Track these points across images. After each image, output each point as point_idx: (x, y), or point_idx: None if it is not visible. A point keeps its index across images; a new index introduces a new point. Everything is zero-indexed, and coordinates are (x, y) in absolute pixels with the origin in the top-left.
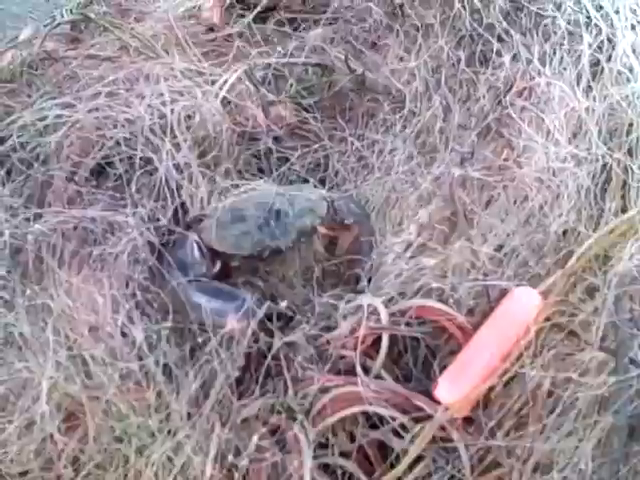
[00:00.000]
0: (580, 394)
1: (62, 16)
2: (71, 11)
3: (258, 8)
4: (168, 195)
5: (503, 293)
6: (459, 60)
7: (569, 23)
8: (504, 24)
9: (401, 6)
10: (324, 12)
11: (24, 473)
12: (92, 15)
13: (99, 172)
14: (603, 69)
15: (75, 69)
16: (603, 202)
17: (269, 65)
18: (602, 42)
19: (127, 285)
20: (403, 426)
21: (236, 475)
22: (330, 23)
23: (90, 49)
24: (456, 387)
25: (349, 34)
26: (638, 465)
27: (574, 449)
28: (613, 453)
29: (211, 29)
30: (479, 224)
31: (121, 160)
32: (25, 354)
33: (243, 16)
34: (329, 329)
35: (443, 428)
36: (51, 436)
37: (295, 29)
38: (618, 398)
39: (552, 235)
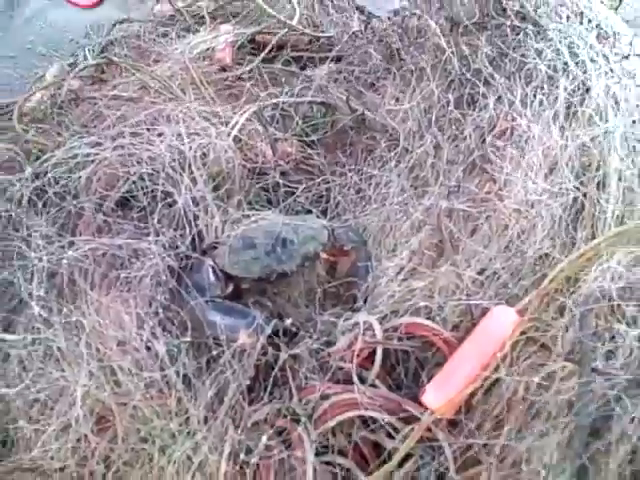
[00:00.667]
0: (550, 399)
1: (85, 56)
2: (93, 50)
3: (268, 48)
4: (186, 225)
5: (484, 311)
6: (448, 102)
7: (549, 68)
8: (490, 69)
9: (398, 51)
10: (329, 50)
11: (62, 469)
12: (115, 59)
13: (124, 204)
14: (577, 111)
15: (100, 109)
16: (575, 231)
17: (277, 105)
18: (577, 86)
19: (150, 304)
20: (394, 428)
21: (247, 471)
22: (335, 61)
23: (113, 90)
24: (441, 393)
25: (351, 75)
26: (600, 460)
27: (543, 447)
28: (575, 449)
29: (223, 69)
30: (464, 250)
31: (144, 193)
32: (62, 365)
33: (254, 54)
34: (329, 344)
35: (429, 429)
36: (85, 437)
37: (302, 67)
38: (581, 402)
39: (529, 260)
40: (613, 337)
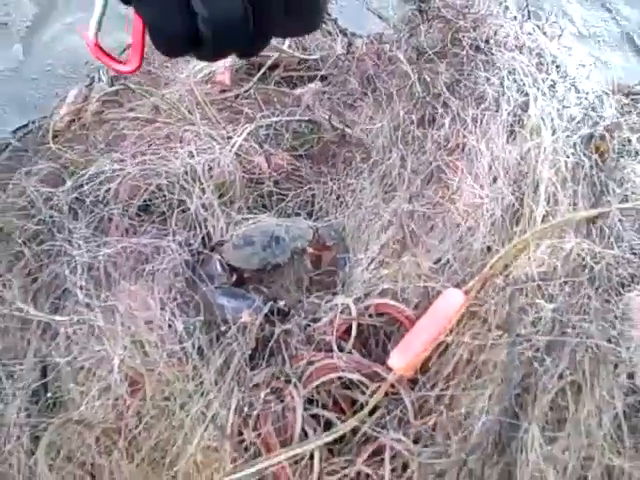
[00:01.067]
0: (487, 360)
1: (99, 78)
2: (107, 72)
3: (263, 69)
4: (197, 226)
5: (438, 293)
6: (412, 121)
7: (496, 92)
8: (447, 93)
9: (372, 77)
10: (316, 70)
11: (103, 422)
12: (132, 85)
13: (146, 210)
14: (515, 130)
15: (122, 130)
16: (511, 228)
17: (270, 124)
18: (517, 108)
19: (170, 291)
20: (366, 385)
21: (250, 421)
22: (321, 80)
23: (130, 112)
24: (403, 358)
25: (333, 96)
26: (527, 408)
27: (481, 397)
28: (505, 399)
29: (224, 90)
30: (423, 244)
31: (162, 201)
32: (101, 340)
33: (250, 74)
34: (315, 320)
35: (394, 386)
36: (121, 397)
37: (293, 86)
38: (509, 361)
39: (475, 252)
40: (536, 311)
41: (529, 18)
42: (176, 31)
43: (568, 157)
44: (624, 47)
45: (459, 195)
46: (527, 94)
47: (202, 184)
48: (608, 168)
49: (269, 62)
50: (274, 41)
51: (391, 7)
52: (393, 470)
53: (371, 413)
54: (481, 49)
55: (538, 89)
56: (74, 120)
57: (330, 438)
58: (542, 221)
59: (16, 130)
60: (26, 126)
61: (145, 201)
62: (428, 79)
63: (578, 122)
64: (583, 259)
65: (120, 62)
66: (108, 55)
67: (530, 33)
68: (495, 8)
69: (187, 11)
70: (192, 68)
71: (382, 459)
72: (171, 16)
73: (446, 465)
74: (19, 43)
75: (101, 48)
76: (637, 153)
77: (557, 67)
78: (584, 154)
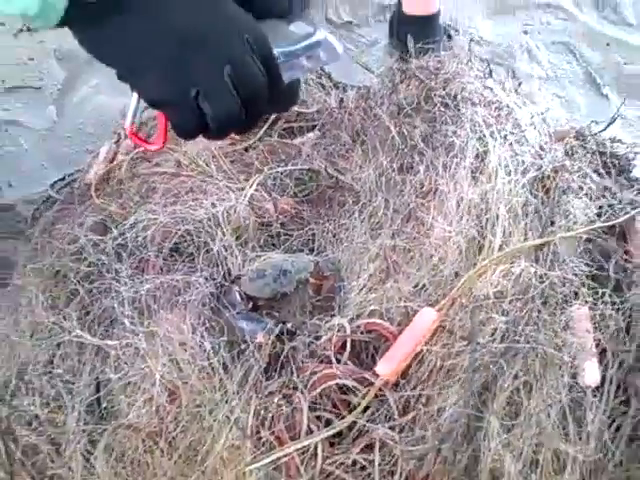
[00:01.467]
0: (456, 365)
1: (125, 135)
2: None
3: (267, 124)
4: (219, 264)
5: (416, 312)
6: (393, 169)
7: (462, 143)
8: (422, 144)
9: (360, 131)
10: (313, 121)
11: (148, 426)
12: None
13: (177, 251)
14: (476, 175)
15: (152, 183)
16: (474, 257)
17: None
18: (479, 156)
19: (199, 317)
20: (359, 389)
21: (266, 422)
22: (319, 129)
23: (157, 167)
24: (388, 366)
25: (329, 147)
26: (488, 403)
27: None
28: (467, 396)
29: (234, 142)
30: (404, 272)
31: (190, 244)
32: (145, 359)
33: (257, 126)
34: (317, 338)
35: (381, 389)
36: (162, 405)
37: (293, 136)
38: (471, 366)
39: (445, 277)
40: (493, 323)
41: (491, 75)
42: (191, 126)
43: (519, 196)
44: (586, 86)
45: (432, 231)
46: (487, 144)
47: (222, 229)
48: (552, 204)
49: (273, 116)
50: None
51: (377, 59)
52: (382, 457)
53: (363, 412)
54: (449, 106)
55: (495, 139)
56: (109, 173)
57: (330, 433)
58: (498, 250)
59: (54, 183)
60: (63, 179)
61: (176, 244)
62: (406, 132)
63: (527, 166)
64: (531, 280)
65: (149, 142)
66: (140, 138)
67: (491, 89)
68: (463, 67)
69: (198, 112)
70: None
71: (372, 448)
72: (187, 117)
73: (424, 451)
74: (52, 105)
75: (135, 134)
76: (580, 188)
77: (513, 118)
78: (532, 193)
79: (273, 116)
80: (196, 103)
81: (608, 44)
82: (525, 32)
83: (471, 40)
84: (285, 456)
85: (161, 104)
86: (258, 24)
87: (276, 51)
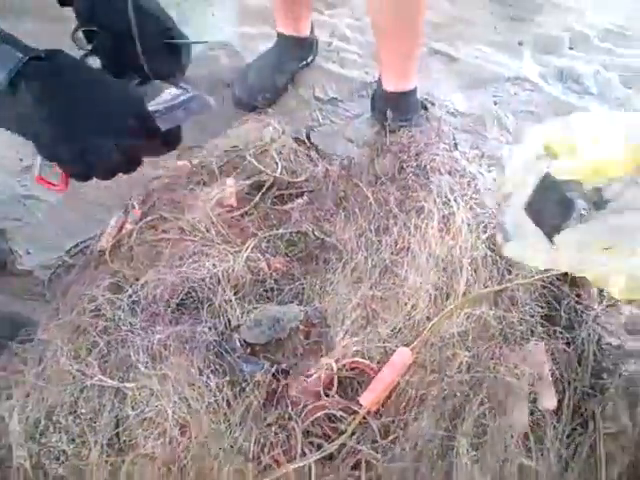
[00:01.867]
0: (428, 394)
1: (132, 205)
2: (139, 197)
3: (261, 192)
4: (221, 315)
5: (393, 351)
6: (371, 230)
7: (431, 206)
8: (396, 209)
9: (342, 198)
10: (302, 188)
11: (162, 455)
12: (167, 215)
13: (183, 306)
14: (443, 236)
15: (159, 248)
16: (442, 302)
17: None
18: (445, 217)
19: (205, 361)
20: (345, 418)
21: (265, 449)
22: (308, 194)
23: (163, 233)
24: (370, 396)
25: (316, 211)
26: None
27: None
28: (440, 420)
29: (231, 210)
30: (382, 319)
31: (195, 299)
32: (159, 398)
33: (250, 194)
34: (308, 377)
35: (364, 417)
36: (174, 437)
37: (284, 202)
38: (442, 394)
39: (418, 321)
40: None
41: (456, 148)
42: (81, 177)
43: (480, 251)
44: None
45: (406, 282)
46: (452, 207)
47: (222, 285)
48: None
49: (267, 184)
50: (269, 169)
51: (360, 131)
52: (368, 475)
53: (350, 436)
54: (420, 176)
55: (459, 203)
56: (119, 240)
57: (322, 455)
58: (463, 296)
59: (69, 250)
60: (76, 246)
61: (182, 299)
62: (382, 199)
63: (486, 224)
64: (490, 321)
65: (55, 185)
66: (46, 182)
67: (457, 159)
68: (433, 140)
69: (86, 167)
70: (207, 193)
71: (359, 467)
72: (80, 172)
73: (403, 468)
74: None
75: (42, 178)
76: None
77: (474, 184)
78: (490, 248)
79: (267, 184)
80: (83, 160)
81: (571, 112)
82: (495, 103)
83: (447, 112)
84: (283, 475)
85: (55, 161)
86: (144, 87)
87: (154, 108)
